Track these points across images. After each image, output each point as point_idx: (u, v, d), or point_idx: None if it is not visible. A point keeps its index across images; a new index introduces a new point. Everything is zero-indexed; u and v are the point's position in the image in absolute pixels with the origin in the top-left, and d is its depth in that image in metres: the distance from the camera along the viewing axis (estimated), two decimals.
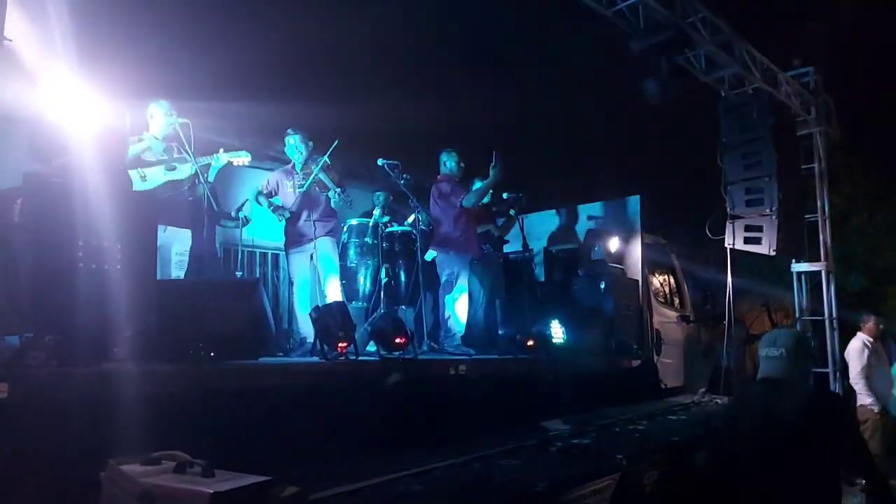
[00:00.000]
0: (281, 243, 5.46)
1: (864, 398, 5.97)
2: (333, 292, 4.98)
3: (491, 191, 5.83)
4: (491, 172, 5.50)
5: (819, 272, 7.33)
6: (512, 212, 6.34)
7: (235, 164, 4.70)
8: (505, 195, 6.26)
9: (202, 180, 4.42)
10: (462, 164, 5.71)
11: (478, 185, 5.71)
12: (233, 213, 5.40)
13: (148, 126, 4.46)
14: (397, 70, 5.78)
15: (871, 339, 6.14)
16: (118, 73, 3.41)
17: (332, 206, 5.10)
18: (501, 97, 6.37)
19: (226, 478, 2.10)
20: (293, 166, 5.19)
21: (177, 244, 4.38)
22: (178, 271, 4.36)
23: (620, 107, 6.54)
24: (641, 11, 5.13)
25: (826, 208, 7.22)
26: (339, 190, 4.95)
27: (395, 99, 6.00)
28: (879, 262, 11.94)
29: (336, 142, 4.99)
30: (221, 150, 4.63)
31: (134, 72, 3.98)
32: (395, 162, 5.38)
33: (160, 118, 4.41)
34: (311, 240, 5.03)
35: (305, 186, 5.00)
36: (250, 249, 6.98)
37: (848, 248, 10.53)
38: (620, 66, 6.02)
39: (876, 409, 5.90)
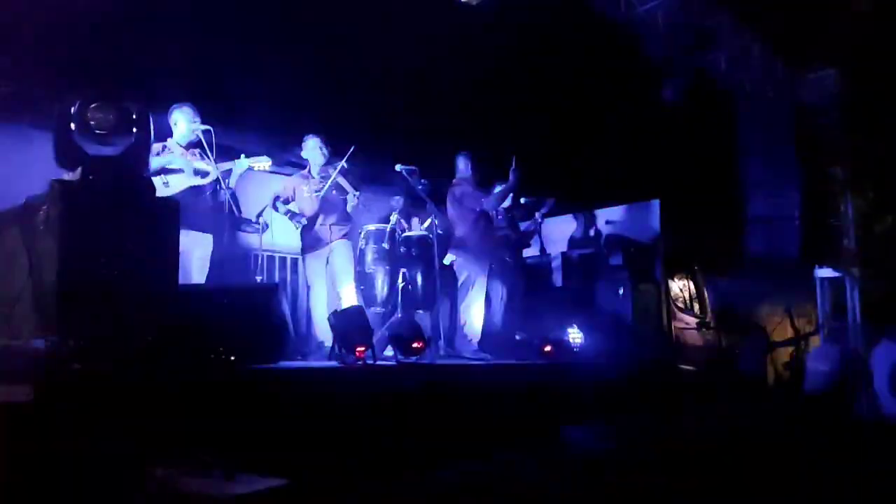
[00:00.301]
0: (298, 247, 5.51)
1: (891, 407, 5.84)
2: (349, 297, 5.01)
3: (511, 195, 5.84)
4: (511, 176, 5.50)
5: (842, 278, 7.19)
6: (538, 216, 6.36)
7: (256, 169, 4.76)
8: (523, 199, 6.25)
9: (223, 185, 4.48)
10: (478, 167, 5.72)
11: (500, 189, 5.71)
12: (253, 219, 5.49)
13: (172, 132, 4.53)
14: (415, 75, 5.79)
15: None
16: (142, 79, 3.47)
17: (348, 210, 5.14)
18: (519, 101, 6.36)
19: (246, 481, 2.13)
20: (309, 171, 5.24)
21: (198, 249, 4.43)
22: (199, 276, 4.41)
23: (641, 110, 6.50)
24: (661, 15, 5.10)
25: (850, 213, 7.09)
26: (356, 193, 4.99)
27: (412, 104, 6.02)
28: None
29: (353, 147, 5.04)
30: (242, 155, 4.69)
31: (158, 78, 4.05)
32: (413, 167, 5.40)
33: (184, 124, 4.48)
34: (327, 244, 5.08)
35: (323, 191, 5.04)
36: (270, 254, 7.05)
37: (872, 253, 10.31)
38: (641, 69, 5.99)
39: None
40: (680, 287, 7.72)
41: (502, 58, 5.63)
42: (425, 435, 3.51)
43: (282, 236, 6.70)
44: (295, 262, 7.09)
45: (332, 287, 5.14)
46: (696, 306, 7.87)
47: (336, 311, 4.29)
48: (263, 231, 5.60)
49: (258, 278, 6.47)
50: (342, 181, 5.03)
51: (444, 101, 5.98)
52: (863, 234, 7.19)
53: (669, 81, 5.01)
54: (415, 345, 4.20)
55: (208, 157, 4.41)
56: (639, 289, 6.45)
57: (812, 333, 11.64)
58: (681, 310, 7.49)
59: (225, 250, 4.74)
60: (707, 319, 7.84)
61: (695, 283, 7.94)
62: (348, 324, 3.96)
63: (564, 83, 6.22)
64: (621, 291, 6.23)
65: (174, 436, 2.54)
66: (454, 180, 5.71)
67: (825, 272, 7.19)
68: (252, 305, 3.57)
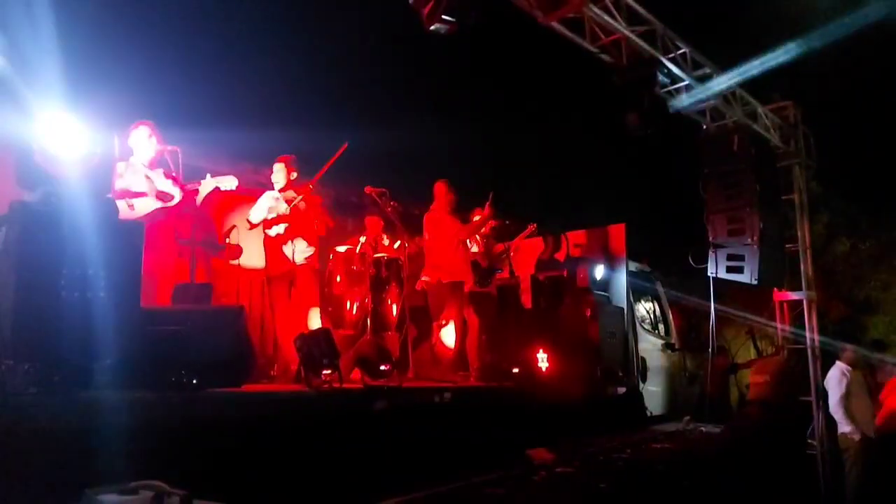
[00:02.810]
0: (265, 269, 5.47)
1: (843, 426, 6.02)
2: (314, 319, 5.00)
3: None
4: (487, 209, 5.63)
5: (801, 301, 7.42)
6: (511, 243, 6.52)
7: (223, 189, 4.72)
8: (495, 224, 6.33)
9: (189, 206, 4.43)
10: (455, 195, 5.80)
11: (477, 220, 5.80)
12: (220, 241, 5.44)
13: (133, 152, 4.46)
14: (387, 100, 5.87)
15: (850, 368, 6.23)
16: (106, 99, 3.44)
17: (318, 231, 5.13)
18: (490, 128, 6.48)
19: None
20: (278, 192, 5.23)
21: (162, 271, 4.36)
22: (163, 298, 4.34)
23: (606, 137, 6.67)
24: (624, 47, 5.26)
25: (806, 238, 7.33)
26: (322, 210, 5.01)
27: (384, 128, 6.08)
28: (862, 292, 12.10)
29: (322, 170, 5.05)
30: (209, 175, 4.66)
31: (122, 98, 4.02)
32: (383, 190, 5.44)
33: (146, 143, 4.41)
34: (293, 266, 5.07)
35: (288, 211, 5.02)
36: (235, 275, 6.99)
37: (830, 276, 10.68)
38: (605, 98, 6.15)
39: (857, 437, 5.94)
40: (646, 309, 7.86)
41: (475, 87, 5.75)
42: (393, 457, 3.50)
43: (247, 257, 6.65)
44: (261, 283, 7.04)
45: (297, 309, 5.12)
46: (662, 328, 8.02)
47: (302, 334, 4.25)
48: (233, 257, 5.55)
49: (223, 300, 6.41)
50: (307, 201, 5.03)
51: (419, 125, 6.06)
52: (819, 259, 7.45)
53: (632, 111, 5.16)
54: (382, 367, 4.18)
55: (174, 178, 4.37)
56: (605, 310, 6.54)
57: (774, 354, 11.92)
58: (647, 331, 7.63)
59: (190, 272, 4.69)
60: (672, 341, 7.99)
61: (660, 306, 8.10)
62: (314, 346, 3.93)
63: (535, 111, 6.36)
64: (588, 313, 6.30)
65: (131, 461, 2.49)
66: (432, 206, 5.78)
67: (784, 295, 7.41)
68: (216, 328, 3.52)
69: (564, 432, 4.91)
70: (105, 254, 2.86)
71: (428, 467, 3.52)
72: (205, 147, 5.03)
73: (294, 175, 5.16)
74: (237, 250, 5.53)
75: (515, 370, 5.26)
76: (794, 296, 7.36)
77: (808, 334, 7.18)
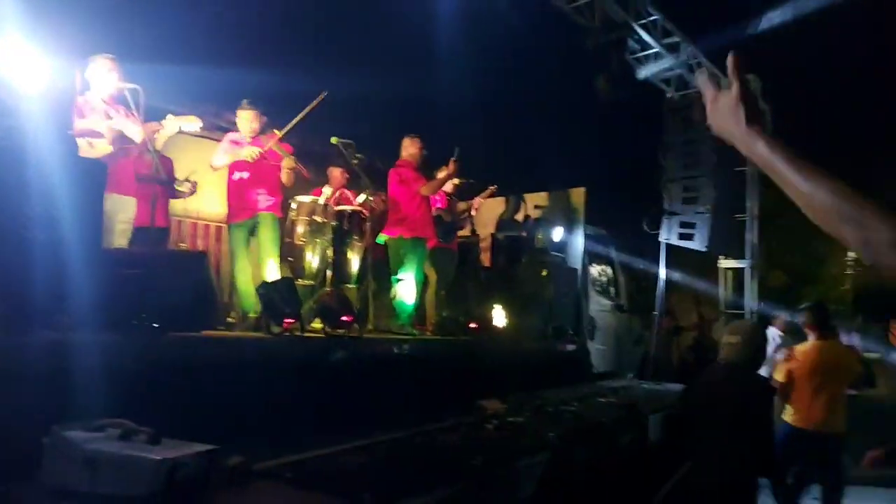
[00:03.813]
0: (222, 216, 5.39)
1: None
2: (272, 269, 4.98)
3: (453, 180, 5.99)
4: (452, 165, 5.65)
5: (743, 269, 7.80)
6: (475, 201, 6.56)
7: (185, 130, 4.61)
8: (457, 181, 6.38)
9: (150, 147, 4.31)
10: (425, 152, 5.79)
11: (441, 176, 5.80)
12: (180, 182, 5.33)
13: (90, 86, 4.28)
14: (357, 49, 5.75)
15: (781, 334, 6.67)
16: (68, 31, 3.29)
17: (284, 181, 5.07)
18: (459, 84, 6.45)
19: (172, 446, 2.15)
20: (243, 137, 5.12)
21: (121, 213, 4.28)
22: (121, 240, 4.27)
23: (570, 99, 6.73)
24: (597, 9, 5.29)
25: (755, 209, 7.66)
26: (292, 157, 4.93)
27: (353, 77, 5.97)
28: (799, 262, 12.77)
29: (296, 119, 4.96)
30: (170, 115, 4.53)
31: (83, 31, 3.83)
32: (350, 141, 5.39)
33: (103, 78, 4.24)
34: (254, 214, 5.01)
35: (256, 153, 4.92)
36: (194, 221, 6.88)
37: (772, 246, 11.19)
38: (571, 60, 6.19)
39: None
40: (598, 272, 8.13)
41: (445, 47, 5.68)
42: (351, 405, 3.61)
43: (206, 204, 6.55)
44: (218, 230, 6.95)
45: (257, 258, 5.09)
46: (612, 290, 8.33)
47: (265, 282, 4.27)
48: (190, 195, 5.46)
49: (182, 245, 6.32)
50: (277, 148, 4.94)
51: (388, 81, 5.97)
52: (765, 229, 7.81)
53: (603, 74, 5.23)
54: (344, 318, 4.25)
55: (134, 117, 4.23)
56: (560, 271, 6.75)
57: (715, 319, 12.52)
58: (598, 293, 7.91)
59: (149, 215, 4.59)
60: (621, 303, 8.32)
61: (612, 269, 8.38)
62: (277, 295, 3.97)
63: (504, 73, 6.35)
64: (544, 273, 6.49)
65: (95, 401, 2.52)
66: (398, 161, 5.76)
67: (728, 263, 7.78)
68: (179, 272, 3.51)
69: (516, 385, 5.13)
70: (65, 192, 2.80)
71: (386, 415, 3.65)
72: (167, 86, 4.85)
73: (260, 123, 5.04)
74: (194, 191, 5.44)
75: (473, 325, 5.41)
76: (737, 263, 7.72)
77: (747, 300, 7.58)
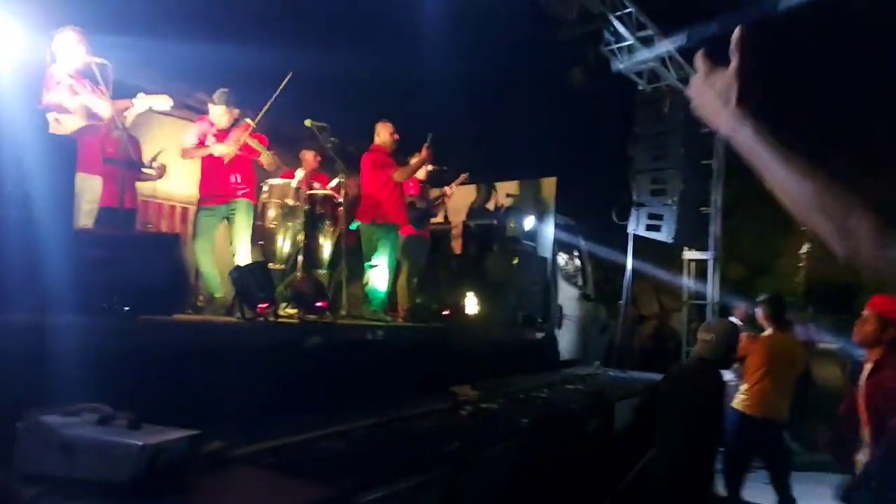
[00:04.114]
0: (190, 197, 5.31)
1: (726, 375, 6.70)
2: (244, 254, 4.94)
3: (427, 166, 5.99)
4: (424, 151, 5.64)
5: (706, 260, 8.03)
6: (448, 189, 6.57)
7: (156, 109, 4.49)
8: (431, 168, 6.37)
9: (119, 126, 4.19)
10: (396, 137, 5.76)
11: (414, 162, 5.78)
12: (148, 163, 5.20)
13: (56, 59, 4.12)
14: (331, 31, 5.67)
15: (741, 323, 6.89)
16: (37, 2, 3.15)
17: (265, 166, 5.04)
18: (434, 71, 6.43)
19: (153, 431, 2.12)
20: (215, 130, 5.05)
21: (87, 192, 4.15)
22: (87, 221, 4.15)
23: (543, 89, 6.78)
24: (573, 1, 5.33)
25: (719, 202, 7.87)
26: (270, 152, 4.90)
27: (326, 60, 5.88)
28: (756, 255, 13.21)
29: (266, 106, 4.90)
30: (141, 93, 4.40)
31: (53, 1, 3.68)
32: (324, 124, 5.34)
33: (70, 51, 4.08)
34: (227, 199, 4.94)
35: (232, 152, 4.89)
36: (159, 202, 6.72)
37: (730, 239, 11.51)
38: (545, 49, 6.22)
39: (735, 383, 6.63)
40: (566, 261, 8.26)
41: (420, 33, 5.65)
42: (326, 392, 3.61)
43: (174, 185, 6.40)
44: (184, 211, 6.81)
45: (226, 242, 5.04)
46: (580, 279, 8.47)
47: (238, 266, 4.22)
48: (159, 176, 5.34)
49: (149, 227, 6.18)
50: (252, 142, 4.90)
51: (362, 65, 5.91)
52: (724, 222, 8.04)
53: (579, 66, 5.27)
54: (318, 304, 4.23)
55: (102, 93, 4.09)
56: (531, 260, 6.84)
57: (677, 309, 12.84)
58: (566, 281, 8.04)
59: (116, 195, 4.47)
60: (588, 292, 8.47)
61: (580, 258, 8.52)
62: (251, 279, 3.92)
63: (478, 62, 6.35)
64: (515, 261, 6.56)
65: (66, 385, 2.47)
66: (371, 146, 5.73)
67: (692, 254, 8.00)
68: (152, 255, 3.43)
69: (486, 372, 5.20)
70: (38, 171, 2.71)
71: (360, 401, 3.67)
72: (137, 63, 4.70)
73: (231, 117, 4.98)
74: (163, 174, 5.33)
75: (446, 312, 5.45)
76: (701, 255, 7.94)
77: (709, 291, 7.81)
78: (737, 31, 1.10)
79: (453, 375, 4.82)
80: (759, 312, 5.05)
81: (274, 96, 4.89)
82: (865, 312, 3.49)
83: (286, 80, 4.84)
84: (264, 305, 3.91)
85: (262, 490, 2.25)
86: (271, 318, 3.95)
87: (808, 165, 1.01)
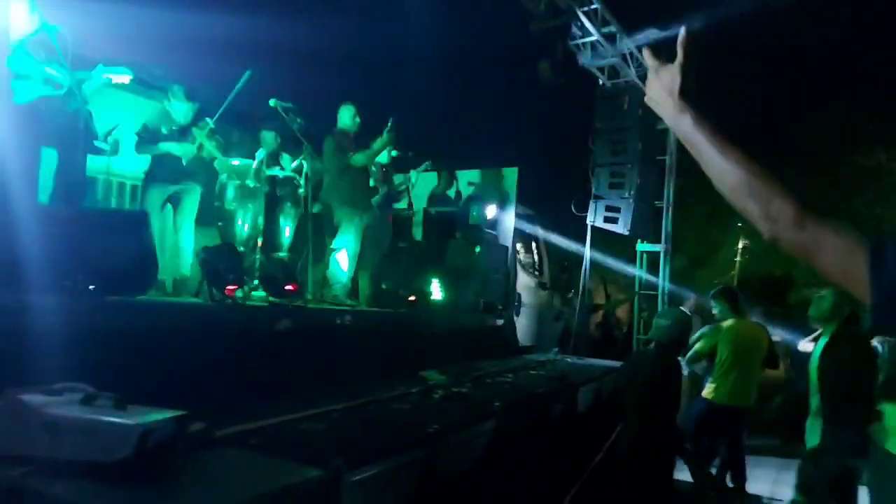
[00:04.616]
0: (139, 175, 5.20)
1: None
2: (186, 239, 4.89)
3: (389, 151, 5.95)
4: (385, 136, 5.59)
5: (657, 252, 8.33)
6: (413, 174, 6.55)
7: (115, 81, 4.30)
8: (394, 153, 6.33)
9: (77, 98, 3.98)
10: (358, 120, 5.69)
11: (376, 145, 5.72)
12: (102, 138, 4.98)
13: (10, 27, 3.88)
14: (295, 11, 5.55)
15: (690, 313, 7.19)
16: None
17: (216, 166, 5.00)
18: (400, 56, 6.39)
19: (140, 411, 2.06)
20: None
21: (43, 165, 3.93)
22: (42, 195, 3.94)
23: (507, 79, 6.85)
24: None
25: (670, 196, 8.17)
26: (224, 158, 4.89)
27: (291, 39, 5.77)
28: (696, 248, 13.84)
29: (224, 104, 4.83)
30: (100, 65, 4.20)
31: None
32: (290, 104, 5.23)
33: (24, 17, 3.85)
34: (178, 181, 4.87)
35: (191, 152, 4.88)
36: (106, 178, 6.45)
37: (674, 232, 12.00)
38: (511, 40, 6.28)
39: (685, 373, 6.95)
40: (524, 250, 8.40)
41: (387, 16, 5.60)
42: (298, 375, 3.58)
43: (125, 162, 6.16)
44: (133, 189, 6.57)
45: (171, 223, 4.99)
46: (536, 268, 8.63)
47: (206, 247, 4.11)
48: (113, 153, 5.12)
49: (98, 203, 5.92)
50: (210, 147, 4.85)
51: (325, 46, 5.82)
52: (677, 216, 8.36)
53: (547, 60, 5.35)
54: (287, 287, 4.17)
55: (61, 63, 3.88)
56: (492, 248, 6.92)
57: (624, 300, 13.26)
58: (524, 270, 8.17)
59: (72, 170, 4.26)
60: (544, 281, 8.64)
61: (537, 247, 8.68)
62: (220, 261, 3.83)
63: (446, 49, 6.35)
64: (478, 249, 6.63)
65: (32, 364, 2.36)
66: (335, 129, 5.65)
67: (645, 246, 8.28)
68: (119, 233, 3.30)
69: (450, 357, 5.25)
70: (2, 143, 2.57)
71: (332, 384, 3.65)
72: (95, 33, 4.47)
73: (193, 114, 4.90)
74: (117, 151, 5.14)
75: (412, 298, 5.46)
76: (653, 247, 8.23)
77: (660, 282, 8.11)
78: (682, 31, 1.22)
79: (419, 360, 4.85)
80: (714, 303, 5.26)
81: (231, 96, 4.84)
82: (823, 291, 3.76)
83: (243, 79, 4.79)
84: (233, 287, 3.82)
85: (250, 470, 2.22)
86: (240, 301, 3.88)
87: (740, 155, 1.12)
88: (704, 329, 5.43)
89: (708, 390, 5.04)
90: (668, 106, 1.22)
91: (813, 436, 3.67)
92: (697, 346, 5.17)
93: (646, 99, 1.28)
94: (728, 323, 5.10)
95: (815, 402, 3.69)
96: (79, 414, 1.97)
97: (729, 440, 5.12)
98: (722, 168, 1.12)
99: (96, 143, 4.90)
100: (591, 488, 4.22)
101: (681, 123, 1.19)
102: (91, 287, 3.12)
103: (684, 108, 1.18)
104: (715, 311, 5.33)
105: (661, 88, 1.22)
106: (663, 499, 3.72)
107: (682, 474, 5.00)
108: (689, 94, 1.17)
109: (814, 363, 3.70)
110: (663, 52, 1.28)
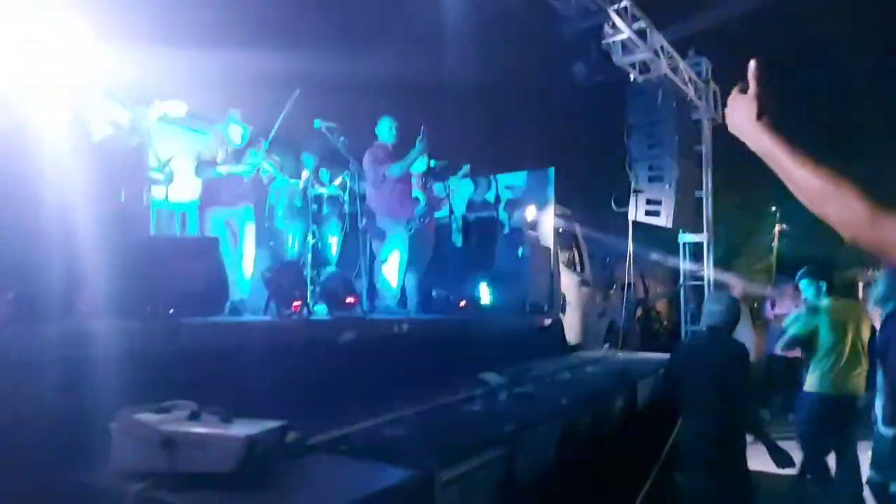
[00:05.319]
0: (188, 203, 5.40)
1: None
2: (249, 260, 5.04)
3: (426, 159, 6.04)
4: (417, 146, 5.69)
5: (699, 243, 8.28)
6: (452, 180, 6.64)
7: (172, 114, 4.50)
8: (433, 163, 6.44)
9: (138, 132, 4.19)
10: (394, 131, 5.81)
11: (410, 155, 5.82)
12: (159, 168, 5.19)
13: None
14: (333, 31, 5.71)
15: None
16: None
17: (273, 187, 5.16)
18: (433, 67, 6.51)
19: (245, 424, 2.18)
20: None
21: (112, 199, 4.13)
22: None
23: (540, 82, 6.91)
24: None
25: (709, 186, 8.12)
26: (283, 178, 5.03)
27: (327, 60, 5.93)
28: (729, 236, 13.73)
29: (276, 125, 4.99)
30: (157, 100, 4.41)
31: None
32: (333, 124, 5.38)
33: None
34: (235, 204, 5.03)
35: (250, 172, 5.04)
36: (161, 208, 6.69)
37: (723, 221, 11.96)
38: (543, 41, 6.35)
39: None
40: (565, 249, 8.42)
41: (420, 28, 5.72)
42: (368, 383, 3.68)
43: (178, 189, 6.38)
44: (183, 217, 6.79)
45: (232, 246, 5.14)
46: (578, 266, 8.65)
47: (272, 266, 4.26)
48: (168, 182, 5.32)
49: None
50: (270, 166, 5.02)
51: (363, 63, 5.96)
52: (717, 206, 8.31)
53: (580, 61, 5.40)
54: (348, 300, 4.29)
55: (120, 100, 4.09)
56: (535, 250, 6.97)
57: (661, 294, 13.14)
58: (566, 269, 8.20)
59: (135, 202, 4.46)
60: (586, 278, 8.65)
61: (577, 246, 8.69)
62: (284, 279, 3.97)
63: (478, 56, 6.44)
64: (521, 252, 6.69)
65: (123, 387, 2.50)
66: (375, 143, 5.79)
67: (687, 237, 8.23)
68: (192, 258, 3.46)
69: (505, 359, 5.31)
70: (85, 180, 2.74)
71: (399, 391, 3.75)
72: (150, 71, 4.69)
73: (250, 130, 5.08)
74: (172, 181, 5.34)
75: (462, 303, 5.55)
76: (696, 237, 8.18)
77: (706, 271, 8.05)
78: (752, 63, 1.31)
79: (476, 363, 4.92)
80: (803, 285, 4.79)
81: (282, 115, 4.98)
82: (877, 274, 3.72)
83: (293, 98, 4.93)
84: (298, 303, 3.96)
85: (348, 475, 2.32)
86: (305, 316, 4.01)
87: (813, 165, 1.19)
88: (799, 311, 4.91)
89: (811, 381, 4.58)
90: (746, 130, 1.30)
91: (881, 413, 3.62)
92: (793, 329, 4.69)
93: (729, 127, 1.35)
94: (826, 303, 4.62)
95: (879, 378, 3.65)
96: (190, 429, 2.10)
97: (839, 436, 4.54)
98: (801, 178, 1.18)
99: (153, 173, 5.14)
100: (663, 482, 4.23)
101: (760, 143, 1.27)
102: (171, 311, 3.28)
103: (763, 129, 1.26)
104: (808, 294, 4.82)
105: (741, 115, 1.30)
106: (741, 487, 3.68)
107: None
108: (767, 118, 1.25)
109: (879, 344, 3.65)
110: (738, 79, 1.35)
